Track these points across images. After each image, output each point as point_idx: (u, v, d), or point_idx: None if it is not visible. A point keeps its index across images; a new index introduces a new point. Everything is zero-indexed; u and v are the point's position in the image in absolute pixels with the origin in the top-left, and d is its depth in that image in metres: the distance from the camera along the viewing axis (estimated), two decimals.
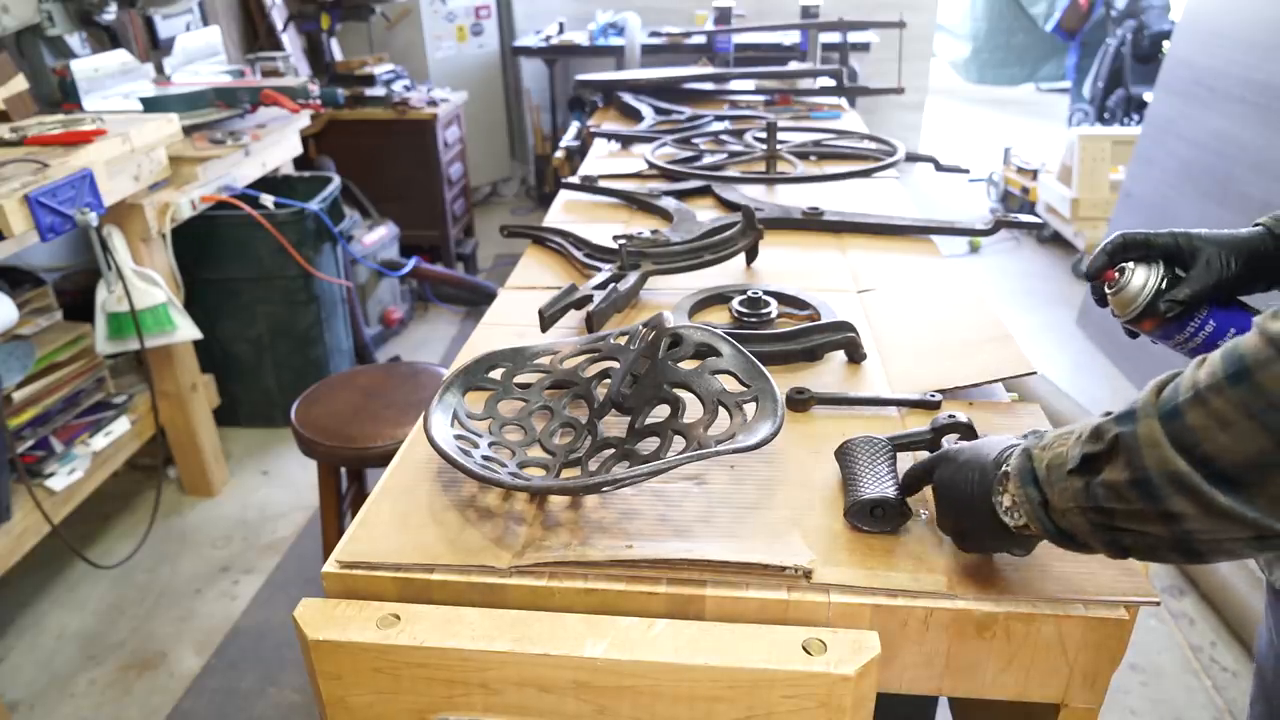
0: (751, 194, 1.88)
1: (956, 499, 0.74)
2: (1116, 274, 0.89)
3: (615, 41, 4.73)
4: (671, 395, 0.98)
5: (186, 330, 2.37)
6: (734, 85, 2.99)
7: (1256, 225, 0.87)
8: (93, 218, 1.92)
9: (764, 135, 2.07)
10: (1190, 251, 0.86)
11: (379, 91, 3.88)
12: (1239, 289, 0.86)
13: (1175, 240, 0.86)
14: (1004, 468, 0.69)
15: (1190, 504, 0.55)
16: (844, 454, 0.91)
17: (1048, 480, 0.63)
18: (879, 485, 0.84)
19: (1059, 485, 0.62)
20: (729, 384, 0.97)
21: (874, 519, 0.83)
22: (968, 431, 0.91)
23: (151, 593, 2.29)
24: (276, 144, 2.74)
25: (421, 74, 4.72)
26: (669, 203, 1.77)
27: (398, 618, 0.75)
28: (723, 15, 3.92)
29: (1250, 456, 0.52)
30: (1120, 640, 0.76)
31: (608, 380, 1.04)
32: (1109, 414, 0.61)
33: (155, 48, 3.04)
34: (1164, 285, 0.86)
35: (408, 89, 4.04)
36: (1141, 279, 0.87)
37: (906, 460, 0.94)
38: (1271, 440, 0.51)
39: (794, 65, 3.28)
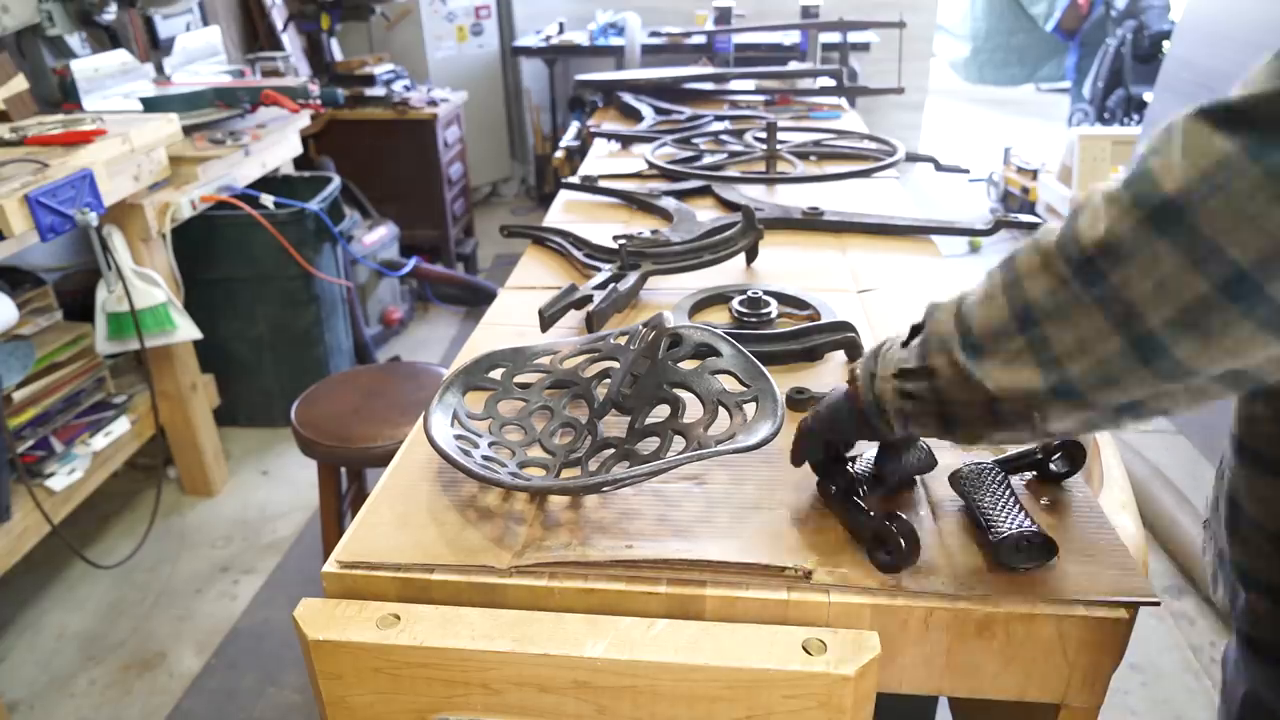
0: (751, 194, 1.88)
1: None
2: None
3: (615, 41, 4.73)
4: (671, 395, 0.98)
5: (186, 330, 2.37)
6: (734, 85, 2.99)
7: None
8: (93, 218, 1.92)
9: (764, 135, 2.07)
10: None
11: (379, 91, 3.88)
12: None
13: None
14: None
15: (942, 357, 0.63)
16: (962, 485, 0.87)
17: (884, 354, 0.72)
18: (1013, 519, 0.80)
19: (892, 358, 0.70)
20: (729, 384, 0.97)
21: (1020, 554, 0.79)
22: (1075, 450, 0.89)
23: (151, 593, 2.29)
24: (276, 144, 2.74)
25: (421, 74, 4.72)
26: (669, 203, 1.77)
27: (398, 618, 0.75)
28: (723, 15, 3.91)
29: (994, 326, 0.59)
30: (1120, 640, 0.76)
31: (608, 380, 1.04)
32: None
33: (155, 48, 3.04)
34: None
35: (408, 89, 4.04)
36: None
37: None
38: (1010, 312, 0.58)
39: (794, 65, 3.28)
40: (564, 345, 1.09)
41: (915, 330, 0.69)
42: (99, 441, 2.28)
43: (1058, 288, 0.55)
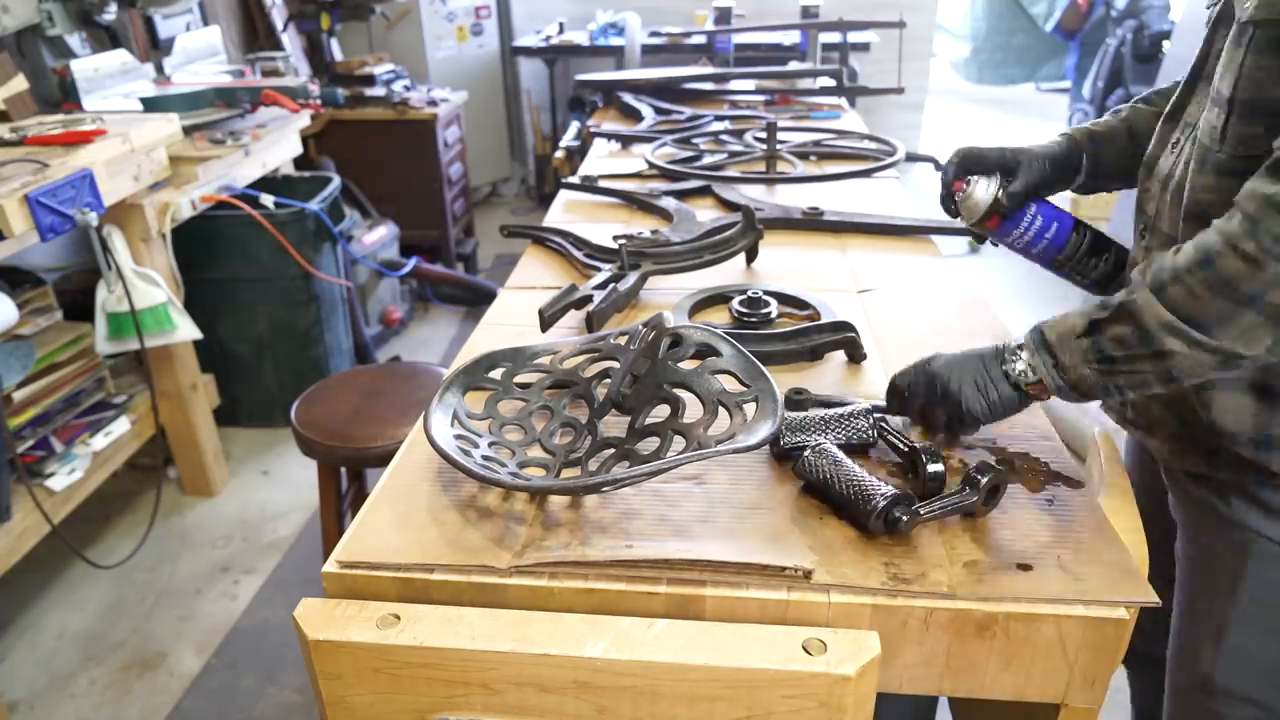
0: (751, 194, 1.88)
1: (963, 374, 0.92)
2: (964, 185, 1.13)
3: (615, 41, 4.72)
4: (671, 395, 0.98)
5: (186, 330, 2.37)
6: (734, 85, 2.99)
7: (1061, 137, 1.14)
8: (93, 218, 1.92)
9: (764, 135, 2.07)
10: (1014, 161, 1.12)
11: (379, 91, 3.87)
12: (1049, 190, 1.13)
13: (1002, 153, 1.12)
14: (1015, 344, 0.91)
15: (1179, 341, 0.80)
16: (808, 468, 0.90)
17: (1060, 346, 0.87)
18: (875, 486, 0.83)
19: (1069, 348, 0.86)
20: (729, 384, 0.97)
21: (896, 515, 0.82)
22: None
23: (151, 593, 2.29)
24: (276, 144, 2.74)
25: (421, 74, 4.72)
26: (669, 203, 1.77)
27: (398, 618, 0.75)
28: (723, 15, 3.91)
29: (1217, 313, 0.78)
30: (1120, 640, 0.76)
31: (608, 380, 1.04)
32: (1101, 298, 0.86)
33: (155, 48, 3.04)
34: (1001, 191, 1.10)
35: (408, 89, 4.04)
36: (984, 186, 1.12)
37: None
38: (1230, 303, 0.77)
39: (794, 65, 3.28)
40: (564, 345, 1.09)
41: (1097, 323, 0.84)
42: (99, 441, 2.28)
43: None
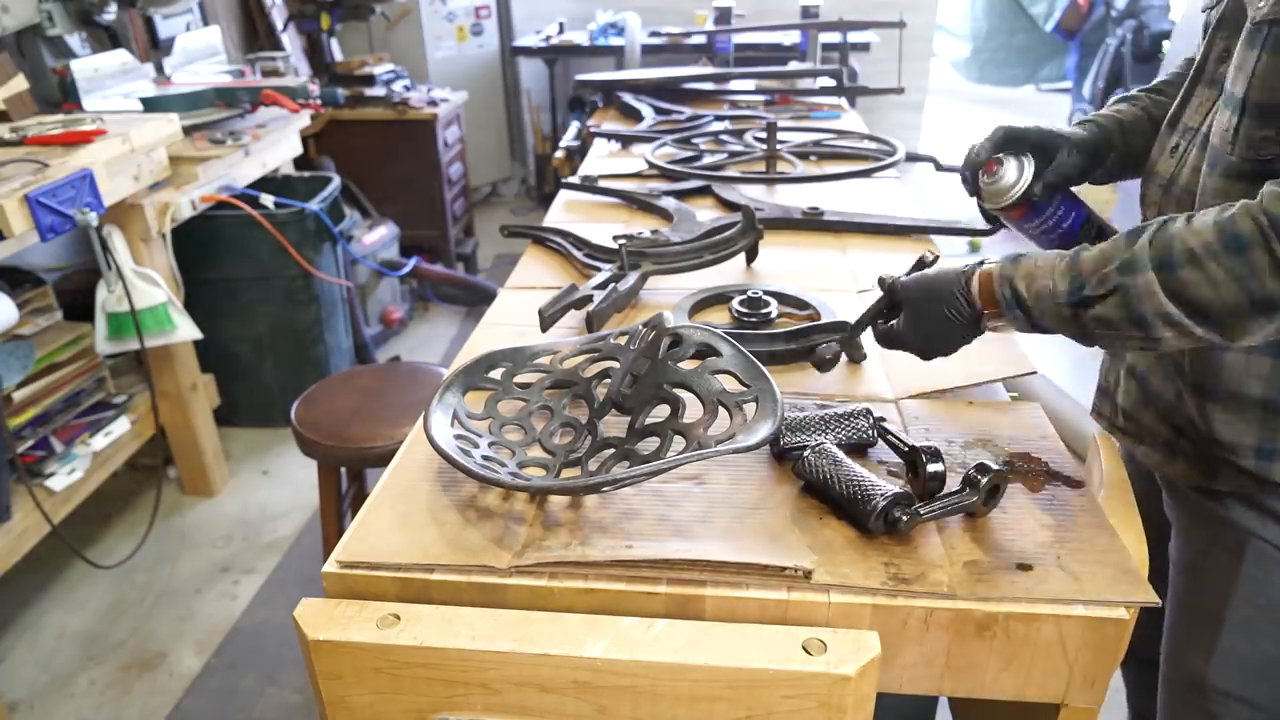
0: (751, 194, 1.88)
1: (932, 319, 0.93)
2: (995, 164, 1.05)
3: (615, 41, 4.72)
4: (671, 395, 0.98)
5: (186, 330, 2.37)
6: (734, 85, 2.99)
7: (1086, 124, 1.10)
8: (93, 218, 1.92)
9: (764, 135, 2.07)
10: (1053, 146, 1.05)
11: (379, 91, 3.87)
12: (1076, 183, 1.09)
13: (1041, 134, 1.06)
14: (988, 317, 0.90)
15: (1174, 333, 0.78)
16: (809, 468, 0.90)
17: (1036, 307, 0.85)
18: (875, 485, 0.84)
19: (1049, 310, 0.84)
20: (729, 384, 0.97)
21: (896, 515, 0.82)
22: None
23: (151, 593, 2.29)
24: (276, 144, 2.74)
25: (421, 74, 4.72)
26: (669, 203, 1.77)
27: (398, 618, 0.75)
28: (723, 15, 3.91)
29: (1229, 308, 0.74)
30: (1120, 640, 0.76)
31: (608, 380, 1.04)
32: (1087, 249, 0.82)
33: (155, 48, 3.04)
34: (1033, 179, 1.04)
35: (408, 89, 4.04)
36: (1015, 170, 1.04)
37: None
38: (1247, 299, 0.73)
39: (794, 65, 3.28)
40: (564, 345, 1.09)
41: (1088, 299, 0.80)
42: (99, 441, 2.28)
43: None
